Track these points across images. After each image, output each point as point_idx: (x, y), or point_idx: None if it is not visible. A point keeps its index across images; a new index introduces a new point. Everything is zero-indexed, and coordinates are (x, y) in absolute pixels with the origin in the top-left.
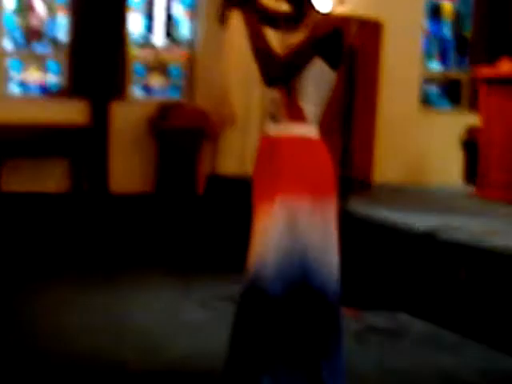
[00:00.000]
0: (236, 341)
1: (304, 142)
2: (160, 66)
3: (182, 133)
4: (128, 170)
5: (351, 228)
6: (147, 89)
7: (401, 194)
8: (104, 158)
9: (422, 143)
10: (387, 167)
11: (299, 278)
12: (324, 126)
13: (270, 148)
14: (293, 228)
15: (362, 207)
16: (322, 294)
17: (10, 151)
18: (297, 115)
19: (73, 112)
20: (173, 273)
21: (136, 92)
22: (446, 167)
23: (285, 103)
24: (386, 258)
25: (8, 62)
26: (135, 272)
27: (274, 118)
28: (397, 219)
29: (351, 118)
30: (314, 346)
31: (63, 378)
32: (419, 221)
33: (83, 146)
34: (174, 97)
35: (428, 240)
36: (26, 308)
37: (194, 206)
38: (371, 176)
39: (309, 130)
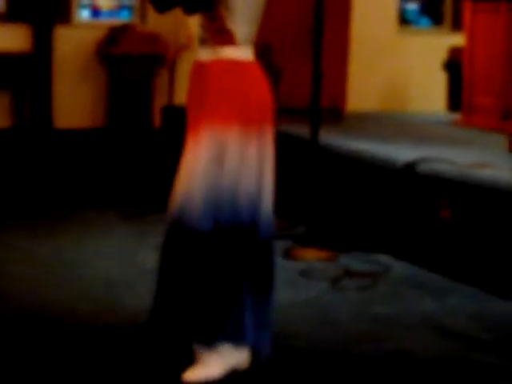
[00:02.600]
0: (163, 280)
1: (232, 65)
2: None
3: (134, 59)
4: (75, 101)
5: (323, 162)
6: (95, 11)
7: (377, 124)
8: (48, 88)
9: (400, 66)
10: (362, 94)
11: (229, 213)
12: (294, 50)
13: (198, 73)
14: (221, 159)
15: (333, 138)
16: (254, 231)
17: None
18: (225, 38)
19: (12, 38)
20: (127, 214)
21: (82, 15)
22: (428, 93)
23: (212, 27)
24: (362, 194)
25: None
26: (86, 215)
27: (204, 43)
28: (373, 151)
29: (321, 40)
30: (243, 285)
31: (9, 333)
32: (398, 152)
33: (25, 76)
34: (125, 19)
35: (408, 174)
36: None
37: (149, 141)
38: (344, 104)
39: (240, 53)
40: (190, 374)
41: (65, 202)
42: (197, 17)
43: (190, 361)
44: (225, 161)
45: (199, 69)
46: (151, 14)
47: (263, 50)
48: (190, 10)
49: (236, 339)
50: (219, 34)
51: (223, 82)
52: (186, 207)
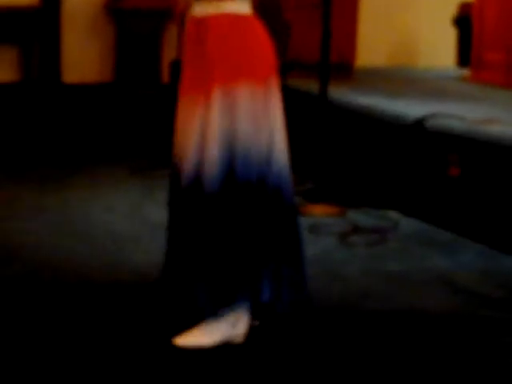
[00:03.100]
0: (172, 245)
1: (235, 19)
2: None
3: (142, 14)
4: (83, 56)
5: (332, 117)
6: None
7: (386, 79)
8: (56, 42)
9: (410, 22)
10: (371, 49)
11: (242, 171)
12: (303, 4)
13: (197, 30)
14: (232, 118)
15: (342, 94)
16: (264, 187)
17: None
18: None
19: None
20: (134, 169)
21: None
22: (437, 48)
23: None
24: (371, 150)
25: None
26: (93, 169)
27: None
28: (382, 106)
29: None
30: (259, 249)
31: (17, 291)
32: (407, 108)
33: (33, 30)
34: None
35: (417, 130)
36: None
37: (157, 96)
38: (353, 59)
39: (239, 6)
40: (183, 339)
41: (73, 157)
42: None
43: (190, 323)
44: (237, 117)
45: (197, 24)
46: None
47: (272, 4)
48: None
49: (249, 300)
50: None
51: (225, 38)
52: (203, 171)
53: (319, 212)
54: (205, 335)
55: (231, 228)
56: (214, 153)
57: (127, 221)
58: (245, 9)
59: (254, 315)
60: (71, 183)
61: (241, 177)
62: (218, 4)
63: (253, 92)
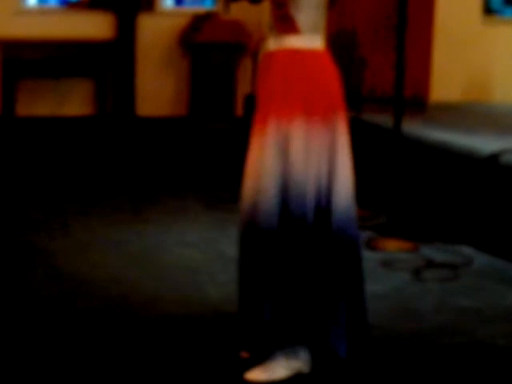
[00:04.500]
0: (242, 279)
1: (297, 54)
2: None
3: (216, 48)
4: (157, 89)
5: (405, 151)
6: None
7: (461, 114)
8: (131, 76)
9: (484, 56)
10: (446, 84)
11: (299, 208)
12: (379, 39)
13: (266, 63)
14: (286, 151)
15: (417, 128)
16: (325, 224)
17: (24, 70)
18: (288, 26)
19: (96, 26)
20: (209, 203)
21: (166, 2)
22: None
23: (276, 14)
24: (445, 185)
25: None
26: (168, 202)
27: (271, 32)
28: (456, 141)
29: (404, 30)
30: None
31: (92, 321)
32: (481, 143)
33: (108, 64)
34: (208, 7)
35: (491, 165)
36: (49, 243)
37: (231, 129)
38: (427, 94)
39: (303, 42)
40: (254, 374)
41: (146, 190)
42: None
43: (259, 360)
44: (290, 152)
45: (266, 58)
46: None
47: (348, 39)
48: None
49: (311, 342)
50: (282, 22)
51: (286, 72)
52: (258, 207)
53: (392, 247)
54: (275, 369)
55: (289, 264)
56: (268, 187)
57: (201, 255)
58: (314, 43)
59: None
60: (145, 216)
61: (295, 212)
62: (284, 38)
63: (310, 126)
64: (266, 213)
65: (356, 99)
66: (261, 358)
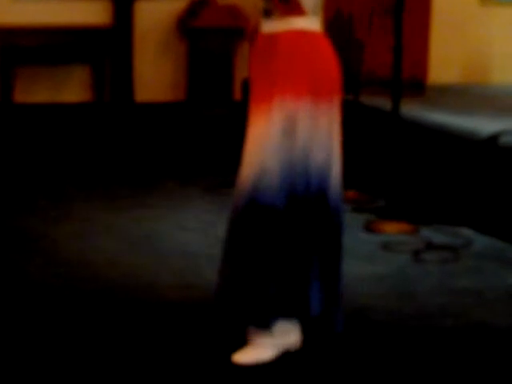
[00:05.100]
0: (231, 256)
1: (303, 36)
2: None
3: (214, 33)
4: (155, 75)
5: (404, 134)
6: None
7: (459, 95)
8: (128, 62)
9: (483, 38)
10: (444, 66)
11: (301, 186)
12: (375, 21)
13: (266, 46)
14: (292, 132)
15: (416, 111)
16: (323, 203)
17: (21, 58)
18: (293, 8)
19: (93, 12)
20: (207, 187)
21: None
22: (511, 64)
23: None
24: (443, 167)
25: None
26: (166, 187)
27: (269, 13)
28: (455, 123)
29: (402, 11)
30: (312, 258)
31: (90, 305)
32: (480, 124)
33: (105, 50)
34: None
35: (490, 146)
36: (48, 229)
37: (229, 114)
38: (425, 76)
39: (308, 23)
40: (241, 356)
41: (145, 175)
42: None
43: (244, 341)
44: (296, 133)
45: (267, 41)
46: None
47: (345, 22)
48: None
49: (301, 314)
50: (286, 4)
51: (294, 54)
52: (261, 183)
53: (392, 229)
54: (262, 349)
55: (287, 241)
56: (274, 166)
57: (200, 239)
58: (314, 25)
59: (304, 330)
60: (144, 201)
61: (300, 191)
62: (288, 20)
63: (314, 107)
64: (270, 189)
65: (354, 82)
66: (246, 337)
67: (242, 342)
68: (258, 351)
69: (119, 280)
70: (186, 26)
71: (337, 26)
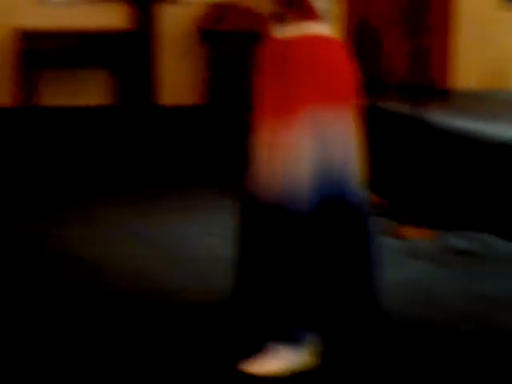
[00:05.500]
0: (244, 265)
1: (319, 41)
2: None
3: (235, 36)
4: (176, 79)
5: (426, 139)
6: None
7: (481, 101)
8: (149, 65)
9: (506, 44)
10: (467, 71)
11: (327, 191)
12: (396, 25)
13: (279, 51)
14: (318, 138)
15: (439, 117)
16: (347, 208)
17: (44, 61)
18: (306, 12)
19: (115, 16)
20: (230, 191)
21: None
22: None
23: (289, 2)
24: (466, 172)
25: None
26: (188, 191)
27: (280, 18)
28: (478, 128)
29: (421, 17)
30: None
31: (119, 311)
32: (504, 129)
33: (128, 54)
34: None
35: None
36: (70, 233)
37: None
38: (449, 81)
39: (321, 28)
40: (251, 366)
41: (167, 179)
42: None
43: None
44: (318, 139)
45: (279, 46)
46: None
47: (369, 27)
48: None
49: (324, 326)
50: (300, 9)
51: (310, 60)
52: (290, 191)
53: (414, 235)
54: (272, 362)
55: (315, 248)
56: (302, 173)
57: (225, 243)
58: (326, 30)
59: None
60: (165, 205)
61: (325, 197)
62: (301, 25)
63: (335, 113)
64: (299, 196)
65: (376, 87)
66: (260, 347)
67: (255, 349)
68: (269, 363)
69: (145, 285)
70: (208, 30)
71: (361, 31)
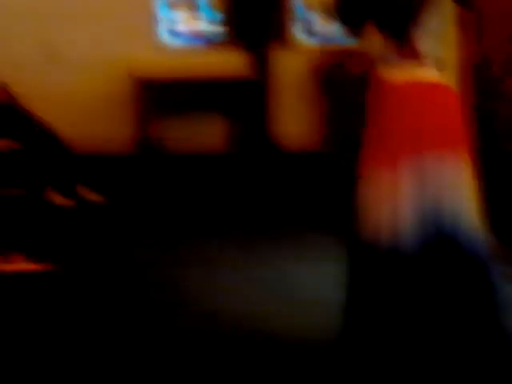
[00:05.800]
0: (354, 309)
1: (430, 87)
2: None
3: (353, 83)
4: (294, 125)
5: None
6: (313, 34)
7: None
8: (267, 112)
9: None
10: None
11: (434, 235)
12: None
13: (395, 96)
14: (422, 185)
15: None
16: (469, 253)
17: (163, 108)
18: (416, 56)
19: (233, 63)
20: (339, 237)
21: (302, 38)
22: None
23: (400, 45)
24: None
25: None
26: (301, 235)
27: (390, 62)
28: None
29: None
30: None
31: (220, 347)
32: None
33: (245, 101)
34: (346, 42)
35: None
36: (184, 275)
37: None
38: None
39: (432, 73)
40: None
41: (282, 223)
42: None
43: None
44: (426, 185)
45: (393, 90)
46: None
47: (482, 63)
48: (387, 26)
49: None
50: (414, 54)
51: (422, 108)
52: (399, 234)
53: None
54: None
55: (427, 292)
56: (407, 217)
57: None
58: (436, 76)
59: None
60: (284, 251)
61: (432, 240)
62: (412, 70)
63: (440, 159)
64: (405, 239)
65: (491, 129)
66: None
67: None
68: None
69: (257, 325)
70: (325, 77)
71: (481, 73)
